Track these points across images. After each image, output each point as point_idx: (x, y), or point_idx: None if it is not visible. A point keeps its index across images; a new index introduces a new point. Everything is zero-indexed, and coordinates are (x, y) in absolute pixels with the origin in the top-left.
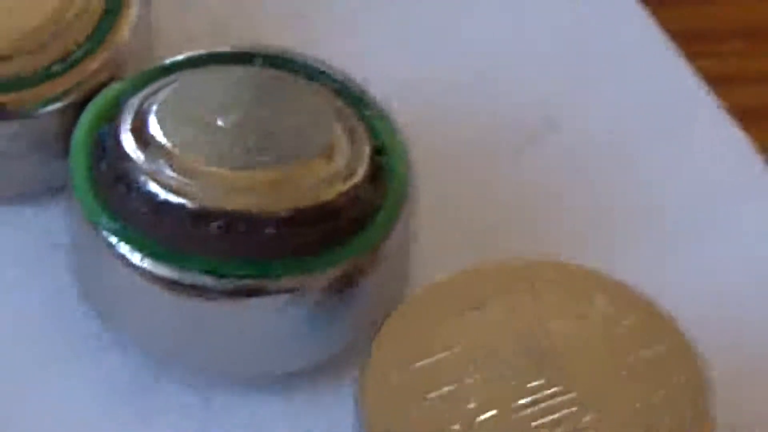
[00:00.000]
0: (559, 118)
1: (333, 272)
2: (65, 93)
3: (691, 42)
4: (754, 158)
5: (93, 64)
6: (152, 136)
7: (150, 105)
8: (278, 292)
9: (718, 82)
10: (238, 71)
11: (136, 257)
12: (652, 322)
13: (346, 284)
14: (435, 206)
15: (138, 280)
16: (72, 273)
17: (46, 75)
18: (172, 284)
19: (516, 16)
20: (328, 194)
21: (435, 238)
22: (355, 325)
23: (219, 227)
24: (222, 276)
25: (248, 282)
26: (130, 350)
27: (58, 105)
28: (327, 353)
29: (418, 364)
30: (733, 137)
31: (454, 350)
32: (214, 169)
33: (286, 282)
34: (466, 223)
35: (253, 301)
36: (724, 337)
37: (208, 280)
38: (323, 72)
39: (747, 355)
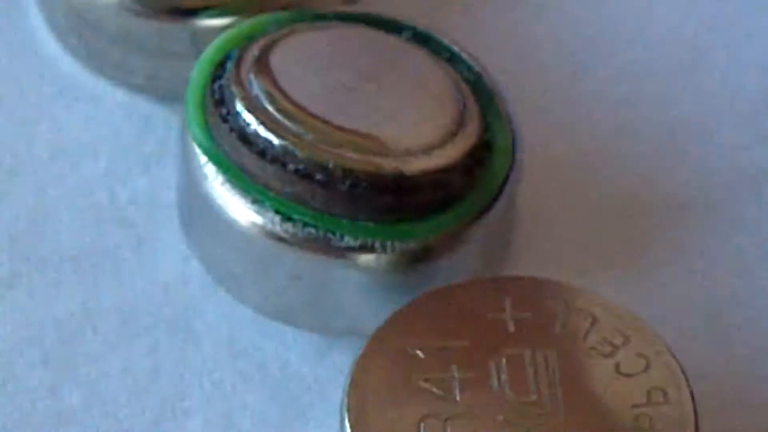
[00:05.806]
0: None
1: (397, 246)
2: (232, 11)
3: None
4: None
5: None
6: (268, 70)
7: (280, 44)
8: (339, 249)
9: None
10: (380, 37)
11: (218, 180)
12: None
13: (403, 262)
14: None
15: (214, 203)
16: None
17: None
18: (242, 215)
19: None
20: (411, 169)
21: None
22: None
23: (296, 171)
24: (289, 219)
25: (312, 232)
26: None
27: (223, 20)
28: (373, 325)
29: (414, 352)
30: None
31: (453, 346)
32: (309, 115)
33: (348, 241)
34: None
35: (313, 254)
36: None
37: (276, 220)
38: (463, 60)
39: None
